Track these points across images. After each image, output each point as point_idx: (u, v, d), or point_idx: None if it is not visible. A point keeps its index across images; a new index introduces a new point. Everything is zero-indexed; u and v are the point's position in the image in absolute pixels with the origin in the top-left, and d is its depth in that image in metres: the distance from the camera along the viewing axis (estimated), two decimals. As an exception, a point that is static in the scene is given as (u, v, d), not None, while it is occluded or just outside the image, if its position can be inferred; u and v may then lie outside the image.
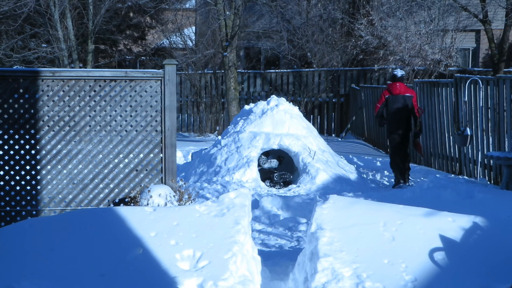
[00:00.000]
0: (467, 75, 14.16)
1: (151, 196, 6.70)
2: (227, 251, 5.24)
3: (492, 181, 12.20)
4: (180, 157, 15.85)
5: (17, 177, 7.18)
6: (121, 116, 7.31)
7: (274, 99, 13.42)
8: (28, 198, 7.21)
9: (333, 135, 24.70)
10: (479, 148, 12.65)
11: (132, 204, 7.00)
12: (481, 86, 12.38)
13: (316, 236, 5.51)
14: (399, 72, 12.77)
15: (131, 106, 7.33)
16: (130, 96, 7.33)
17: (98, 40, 27.50)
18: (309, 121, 24.78)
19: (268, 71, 27.47)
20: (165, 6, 28.13)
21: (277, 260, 6.88)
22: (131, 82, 7.30)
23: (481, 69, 24.25)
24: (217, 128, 25.24)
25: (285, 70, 26.89)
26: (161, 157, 7.38)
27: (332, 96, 25.06)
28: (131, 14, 31.33)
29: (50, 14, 21.63)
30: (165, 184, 7.30)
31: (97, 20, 22.66)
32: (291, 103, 13.75)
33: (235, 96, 21.45)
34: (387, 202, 9.41)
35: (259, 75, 27.17)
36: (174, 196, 6.84)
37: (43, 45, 23.28)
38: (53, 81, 7.16)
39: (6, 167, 7.16)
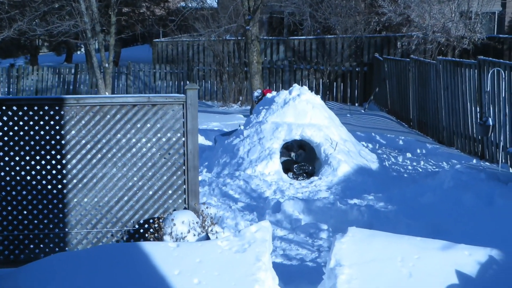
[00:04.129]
0: (490, 58, 14.00)
1: (174, 224, 6.88)
2: (249, 290, 5.43)
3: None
4: (202, 140, 15.86)
5: (45, 201, 7.37)
6: (144, 139, 7.44)
7: (296, 88, 13.37)
8: (56, 221, 7.42)
9: (356, 104, 24.72)
10: (501, 136, 12.64)
11: (156, 225, 7.19)
12: (504, 76, 12.30)
13: (335, 273, 5.65)
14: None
15: (154, 130, 7.46)
16: (153, 120, 7.45)
17: (121, 4, 27.50)
18: (333, 90, 25.02)
19: (291, 37, 27.37)
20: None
21: (297, 283, 7.06)
22: (154, 107, 7.41)
23: (506, 35, 23.91)
24: (240, 98, 25.35)
25: (309, 37, 26.77)
26: (184, 179, 7.52)
27: (356, 65, 24.96)
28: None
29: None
30: (188, 206, 7.47)
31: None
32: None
33: (258, 70, 21.48)
34: (408, 204, 9.61)
35: (282, 42, 27.10)
36: (197, 222, 7.01)
37: (66, 17, 23.40)
38: (77, 107, 7.30)
39: (34, 192, 7.36)
